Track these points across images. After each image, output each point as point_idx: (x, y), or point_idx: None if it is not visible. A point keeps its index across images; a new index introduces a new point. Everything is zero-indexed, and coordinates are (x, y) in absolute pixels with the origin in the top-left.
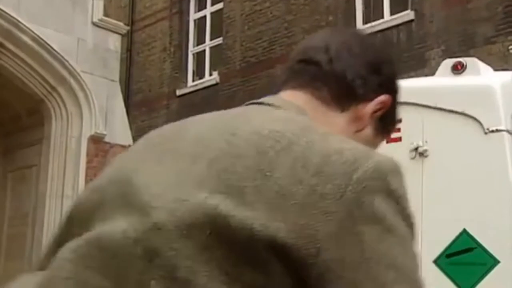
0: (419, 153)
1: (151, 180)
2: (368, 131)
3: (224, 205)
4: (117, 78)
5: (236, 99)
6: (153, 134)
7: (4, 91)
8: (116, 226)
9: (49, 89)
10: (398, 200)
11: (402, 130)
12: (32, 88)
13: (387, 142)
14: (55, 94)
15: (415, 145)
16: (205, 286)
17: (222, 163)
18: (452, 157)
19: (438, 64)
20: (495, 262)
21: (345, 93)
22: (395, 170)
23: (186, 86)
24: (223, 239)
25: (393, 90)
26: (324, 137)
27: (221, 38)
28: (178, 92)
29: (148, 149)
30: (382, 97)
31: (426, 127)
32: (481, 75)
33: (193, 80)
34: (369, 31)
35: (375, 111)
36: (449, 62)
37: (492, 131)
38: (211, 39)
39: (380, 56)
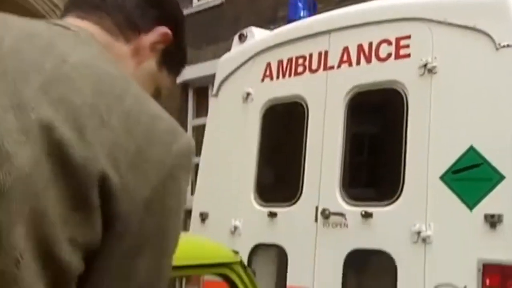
0: (428, 70)
1: None
2: (151, 64)
3: (67, 139)
4: None
5: (242, 19)
6: None
7: (3, 5)
8: None
9: (51, 6)
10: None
11: (411, 46)
12: (32, 4)
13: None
14: (58, 12)
15: (424, 61)
16: (48, 213)
17: (57, 90)
18: (462, 74)
19: None
20: (501, 177)
21: (126, 23)
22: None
23: (191, 6)
24: (61, 175)
25: (174, 25)
26: (146, 97)
27: None
28: (184, 12)
29: None
30: (162, 29)
31: (436, 43)
32: None
33: (199, 0)
34: None
35: (155, 43)
36: None
37: (504, 46)
38: None
39: None
